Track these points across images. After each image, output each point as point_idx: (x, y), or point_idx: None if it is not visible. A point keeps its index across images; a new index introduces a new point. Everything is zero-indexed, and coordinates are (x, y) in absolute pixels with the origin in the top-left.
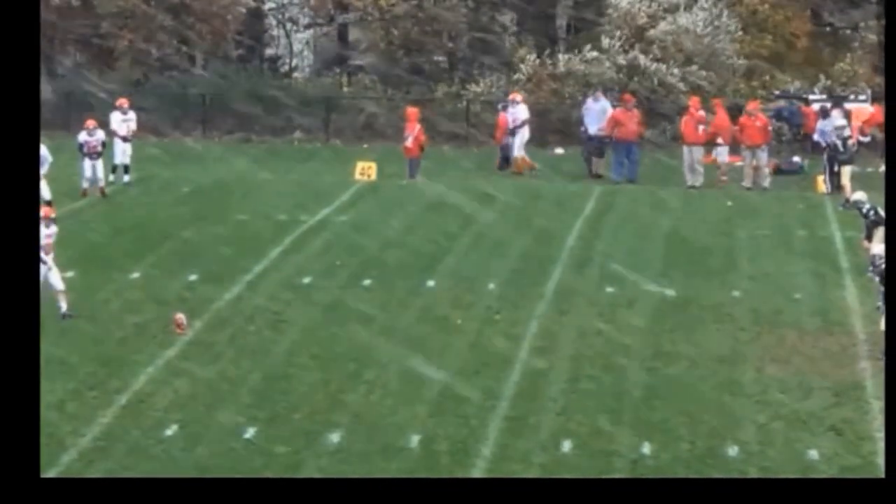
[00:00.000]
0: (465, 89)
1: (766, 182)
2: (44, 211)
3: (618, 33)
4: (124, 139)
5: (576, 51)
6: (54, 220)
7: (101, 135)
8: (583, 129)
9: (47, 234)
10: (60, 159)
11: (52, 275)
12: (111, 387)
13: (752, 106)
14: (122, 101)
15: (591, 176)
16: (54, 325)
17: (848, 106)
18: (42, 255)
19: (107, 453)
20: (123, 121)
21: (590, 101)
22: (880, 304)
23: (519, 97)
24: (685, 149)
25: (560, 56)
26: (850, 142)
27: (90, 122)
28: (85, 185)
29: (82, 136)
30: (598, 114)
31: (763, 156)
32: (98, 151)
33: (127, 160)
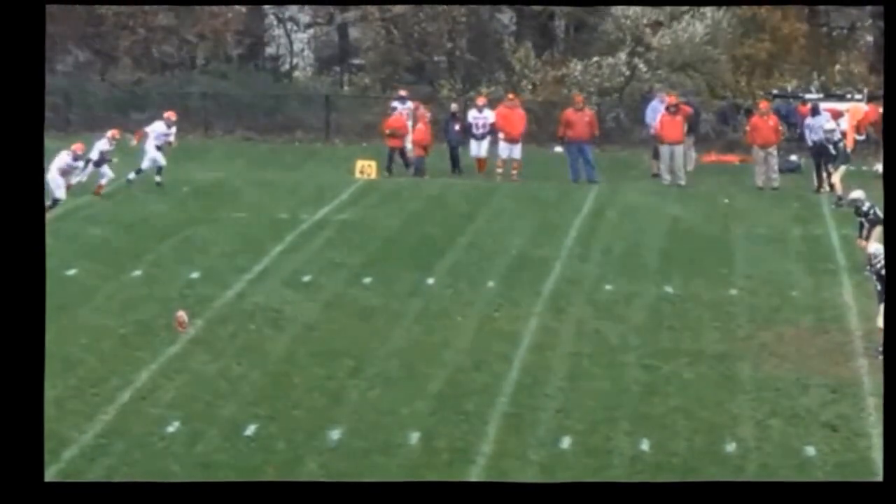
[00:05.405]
0: (470, 90)
1: (776, 182)
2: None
3: (618, 36)
4: (158, 148)
5: (575, 52)
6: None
7: (111, 147)
8: (651, 130)
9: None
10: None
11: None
12: (112, 384)
13: (763, 106)
14: (170, 114)
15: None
16: (55, 322)
17: (844, 105)
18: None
19: (108, 450)
20: (165, 134)
21: (656, 101)
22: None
23: (482, 101)
24: (663, 147)
25: (558, 57)
26: (840, 144)
27: (113, 133)
28: (103, 181)
29: (102, 145)
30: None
31: (774, 155)
32: (108, 160)
33: (163, 163)
